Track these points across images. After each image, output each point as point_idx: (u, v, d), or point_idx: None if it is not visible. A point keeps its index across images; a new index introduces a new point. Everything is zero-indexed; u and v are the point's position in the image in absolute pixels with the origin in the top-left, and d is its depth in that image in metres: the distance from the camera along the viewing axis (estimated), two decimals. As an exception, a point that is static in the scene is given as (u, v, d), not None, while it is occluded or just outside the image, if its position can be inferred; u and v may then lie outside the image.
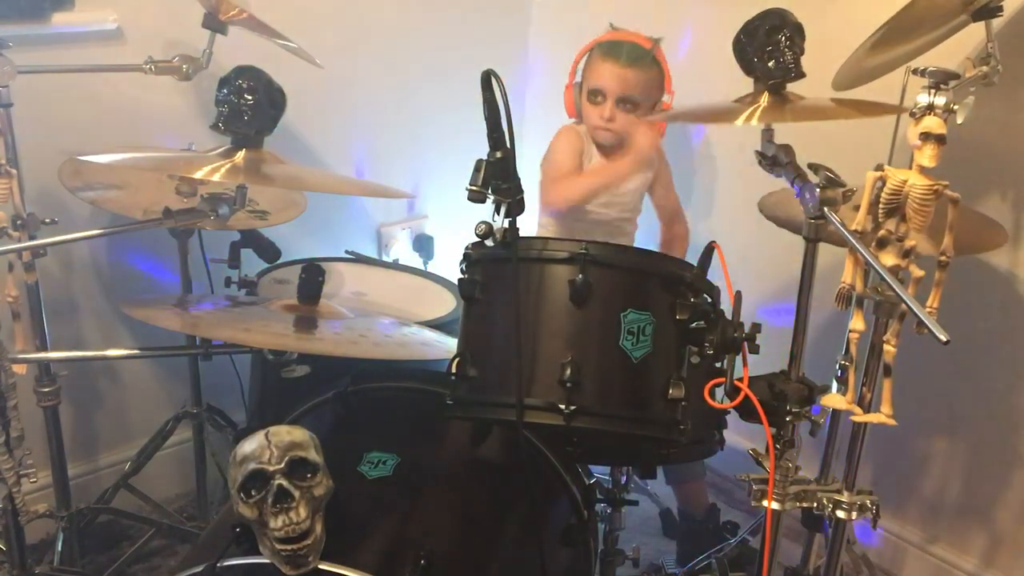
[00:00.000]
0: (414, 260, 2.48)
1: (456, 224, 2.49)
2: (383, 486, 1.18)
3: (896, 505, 2.00)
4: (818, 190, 1.11)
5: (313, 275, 1.48)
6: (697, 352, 1.14)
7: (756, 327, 1.14)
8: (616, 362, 1.12)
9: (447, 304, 1.88)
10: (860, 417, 1.17)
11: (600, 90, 1.87)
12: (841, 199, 1.11)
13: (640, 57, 1.85)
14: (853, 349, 1.15)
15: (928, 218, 1.05)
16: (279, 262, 1.79)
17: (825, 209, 1.10)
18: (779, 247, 2.09)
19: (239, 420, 1.96)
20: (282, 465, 1.00)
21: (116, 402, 2.07)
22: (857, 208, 1.09)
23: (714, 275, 1.23)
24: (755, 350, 1.14)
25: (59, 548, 1.73)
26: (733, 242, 2.17)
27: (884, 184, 1.06)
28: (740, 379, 1.13)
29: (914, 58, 1.42)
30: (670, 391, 1.13)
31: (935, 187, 1.04)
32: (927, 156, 1.03)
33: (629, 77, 1.85)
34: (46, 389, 1.64)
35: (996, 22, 1.37)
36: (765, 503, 1.20)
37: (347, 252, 2.16)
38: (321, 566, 1.01)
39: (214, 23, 1.60)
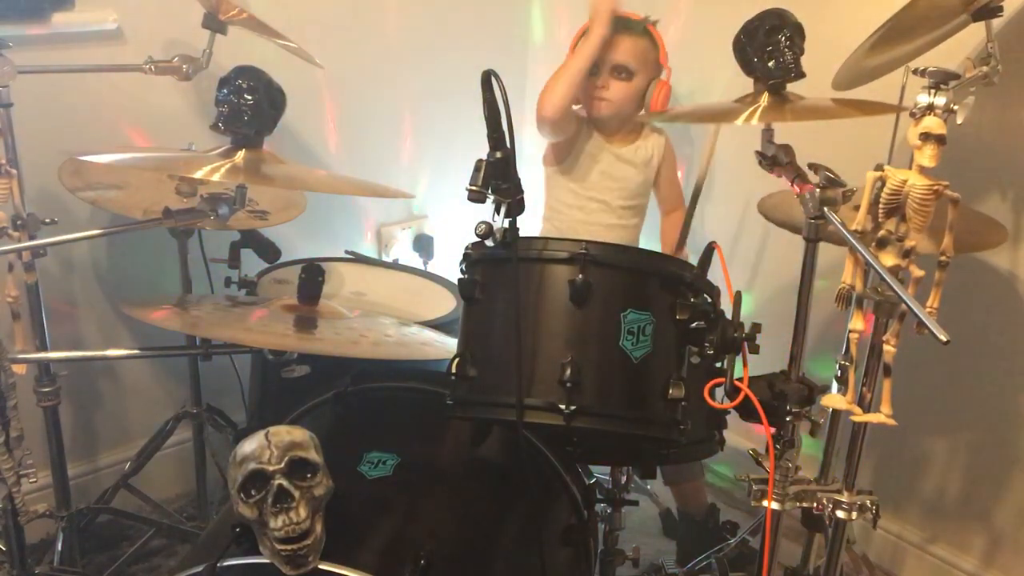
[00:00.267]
0: (414, 260, 2.48)
1: (456, 224, 2.49)
2: (383, 486, 1.18)
3: (896, 505, 2.00)
4: (818, 190, 1.11)
5: (313, 275, 1.48)
6: (697, 352, 1.15)
7: (756, 327, 1.14)
8: (616, 362, 1.12)
9: (447, 304, 1.88)
10: (860, 417, 1.17)
11: (594, 62, 1.86)
12: (841, 199, 1.11)
13: (632, 26, 1.85)
14: (853, 349, 1.15)
15: (928, 218, 1.05)
16: (279, 262, 1.79)
17: (825, 209, 1.10)
18: (779, 247, 2.10)
19: (239, 420, 1.96)
20: (282, 465, 1.00)
21: (116, 402, 2.07)
22: (857, 208, 1.09)
23: (714, 275, 1.23)
24: (755, 350, 1.14)
25: (59, 548, 1.73)
26: (733, 242, 2.19)
27: (884, 184, 1.06)
28: (740, 379, 1.13)
29: (914, 58, 1.42)
30: (670, 391, 1.13)
31: (935, 187, 1.04)
32: (927, 156, 1.03)
33: (623, 43, 1.84)
34: (46, 389, 1.64)
35: (996, 22, 1.37)
36: (765, 503, 1.20)
37: (347, 252, 2.16)
38: (321, 566, 1.01)
39: (214, 23, 1.61)
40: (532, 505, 1.26)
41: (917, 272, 1.07)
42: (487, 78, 1.00)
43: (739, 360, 1.15)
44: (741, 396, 1.11)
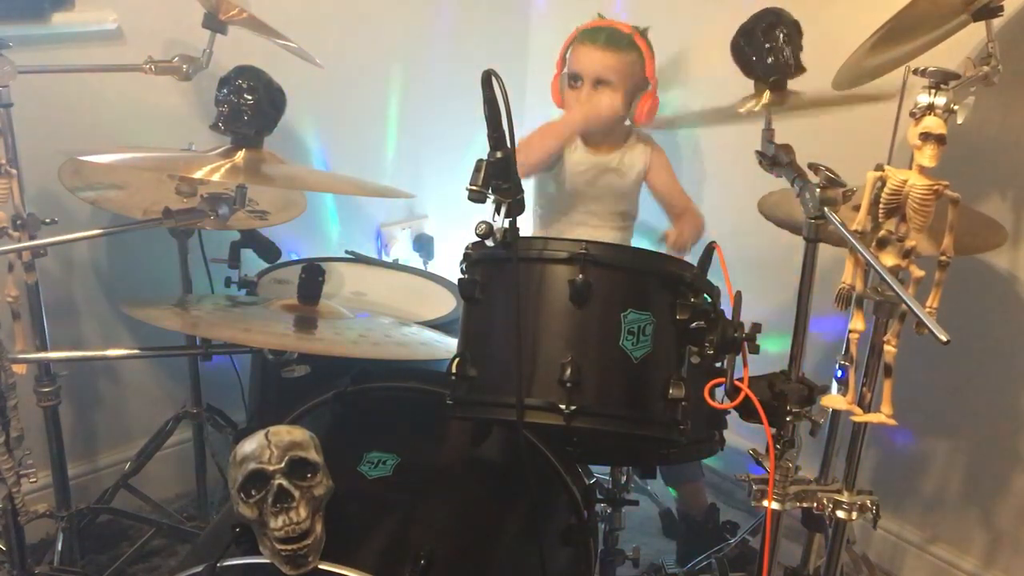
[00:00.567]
0: (414, 260, 2.48)
1: (456, 224, 2.49)
2: (383, 486, 1.18)
3: (896, 505, 2.00)
4: (818, 190, 1.11)
5: (313, 275, 1.48)
6: (697, 352, 1.14)
7: (756, 327, 1.14)
8: (616, 362, 1.12)
9: (447, 304, 1.88)
10: (860, 417, 1.17)
11: (578, 73, 1.87)
12: (841, 199, 1.11)
13: (617, 40, 1.85)
14: (853, 349, 1.15)
15: (928, 218, 1.05)
16: (279, 262, 1.79)
17: (825, 209, 1.10)
18: (779, 247, 2.10)
19: (239, 420, 1.96)
20: (282, 465, 1.00)
21: (116, 402, 2.07)
22: (857, 208, 1.09)
23: (714, 275, 1.22)
24: (755, 350, 1.14)
25: (59, 548, 1.73)
26: (733, 242, 2.18)
27: (884, 184, 1.06)
28: (740, 379, 1.13)
29: (914, 58, 1.42)
30: (670, 391, 1.13)
31: (935, 187, 1.04)
32: (927, 156, 1.03)
33: (605, 59, 1.84)
34: (46, 389, 1.64)
35: (996, 22, 1.37)
36: (765, 503, 1.20)
37: (347, 252, 2.16)
38: (321, 566, 1.01)
39: (214, 23, 1.60)
40: (532, 505, 1.26)
41: (917, 272, 1.07)
42: (487, 77, 1.00)
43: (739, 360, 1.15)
44: (741, 396, 1.11)
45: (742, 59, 1.36)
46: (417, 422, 1.40)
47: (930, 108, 1.04)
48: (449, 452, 1.40)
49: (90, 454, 2.06)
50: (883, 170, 1.07)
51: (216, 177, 1.24)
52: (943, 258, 1.10)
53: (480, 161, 1.03)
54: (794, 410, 1.15)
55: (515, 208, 1.04)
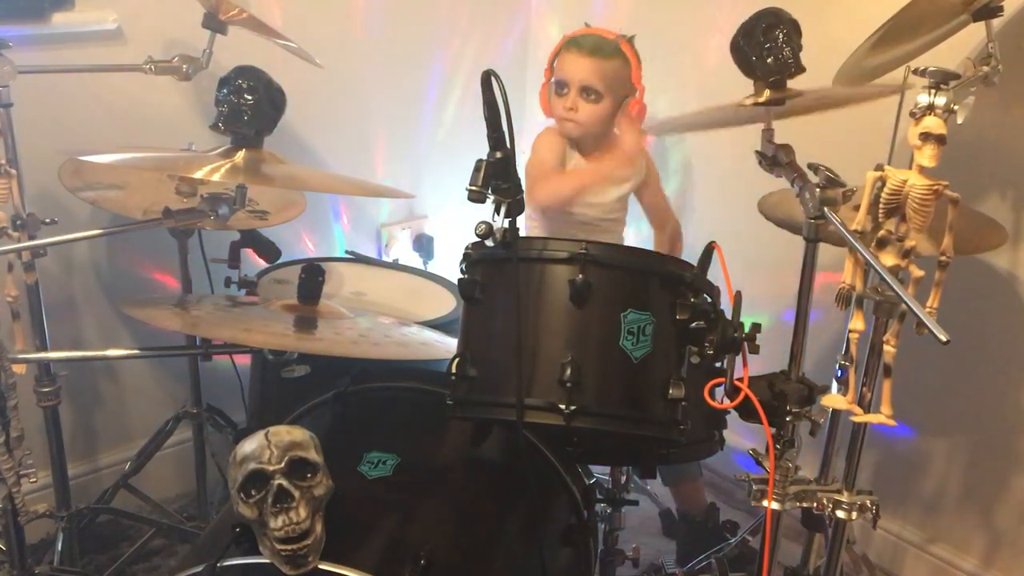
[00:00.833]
0: (414, 260, 2.48)
1: (456, 224, 2.49)
2: (383, 486, 1.18)
3: (896, 505, 2.00)
4: (818, 190, 1.11)
5: (313, 275, 1.48)
6: (697, 352, 1.14)
7: (756, 327, 1.14)
8: (616, 362, 1.12)
9: (447, 304, 1.88)
10: (860, 417, 1.17)
11: (564, 80, 1.87)
12: (841, 199, 1.11)
13: (602, 47, 1.85)
14: (853, 349, 1.15)
15: (928, 218, 1.05)
16: (279, 262, 1.79)
17: (825, 209, 1.10)
18: (779, 247, 2.10)
19: (239, 420, 1.96)
20: (282, 465, 1.00)
21: (116, 402, 2.07)
22: (857, 208, 1.09)
23: (714, 275, 1.22)
24: (755, 350, 1.14)
25: (59, 548, 1.73)
26: (733, 242, 2.18)
27: (884, 184, 1.06)
28: (740, 379, 1.13)
29: (914, 58, 1.42)
30: (670, 391, 1.13)
31: (935, 187, 1.04)
32: (927, 156, 1.03)
33: (590, 66, 1.84)
34: (46, 389, 1.64)
35: (996, 22, 1.37)
36: (765, 503, 1.20)
37: (347, 252, 2.16)
38: (321, 566, 1.01)
39: (214, 23, 1.60)
40: (532, 505, 1.26)
41: (917, 272, 1.07)
42: (487, 78, 1.00)
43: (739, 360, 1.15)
44: (741, 396, 1.11)
45: (742, 59, 1.36)
46: (417, 422, 1.40)
47: (930, 108, 1.04)
48: (449, 452, 1.40)
49: (90, 454, 2.06)
50: (883, 170, 1.07)
51: (216, 177, 1.24)
52: (943, 258, 1.10)
53: (480, 161, 1.03)
54: (794, 410, 1.15)
55: (515, 208, 1.04)
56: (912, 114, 1.06)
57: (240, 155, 1.32)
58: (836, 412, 1.36)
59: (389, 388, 1.44)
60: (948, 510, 1.94)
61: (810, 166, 1.15)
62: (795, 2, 1.39)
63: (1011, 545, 1.85)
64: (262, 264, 1.78)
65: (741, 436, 1.44)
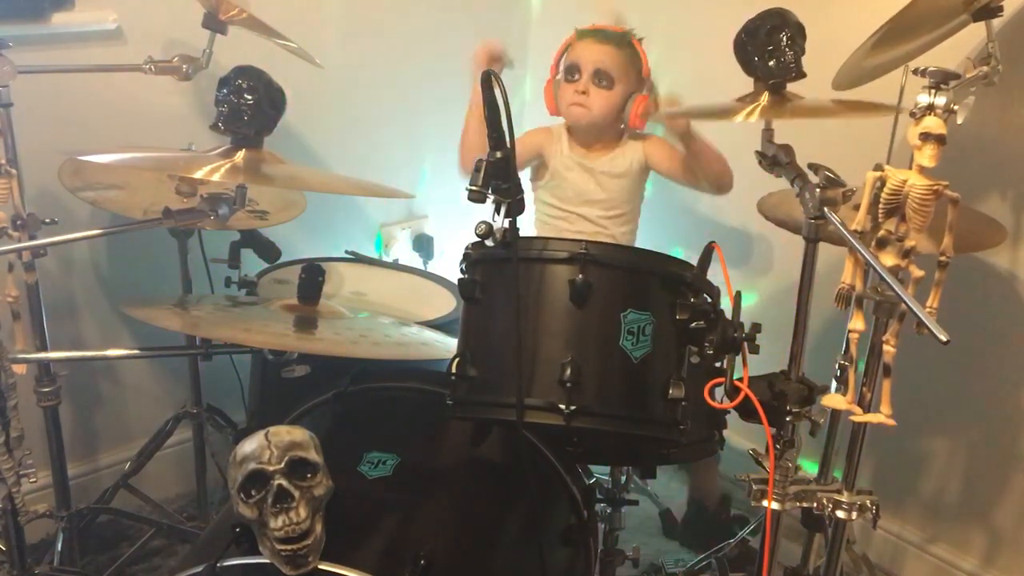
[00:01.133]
0: (414, 260, 2.49)
1: (456, 224, 2.49)
2: (383, 486, 1.18)
3: (896, 505, 2.00)
4: (818, 190, 1.11)
5: (313, 275, 1.48)
6: (697, 352, 1.14)
7: (756, 327, 1.14)
8: (616, 362, 1.12)
9: (447, 304, 1.88)
10: (860, 417, 1.17)
11: (576, 65, 1.87)
12: (841, 199, 1.11)
13: (615, 37, 1.86)
14: (853, 349, 1.15)
15: (928, 218, 1.05)
16: (279, 262, 1.79)
17: (825, 209, 1.10)
18: (779, 247, 2.10)
19: (239, 420, 1.96)
20: (282, 465, 1.00)
21: (116, 402, 2.07)
22: (857, 208, 1.09)
23: (714, 275, 1.23)
24: (755, 350, 1.14)
25: (59, 548, 1.72)
26: (733, 242, 2.19)
27: (884, 184, 1.06)
28: (740, 379, 1.13)
29: (914, 58, 1.42)
30: (670, 391, 1.13)
31: (935, 187, 1.04)
32: (927, 156, 1.03)
33: (606, 51, 1.85)
34: (46, 389, 1.63)
35: (996, 22, 1.37)
36: (765, 503, 1.20)
37: (347, 252, 2.16)
38: (321, 566, 1.01)
39: (214, 23, 1.60)
40: (532, 505, 1.26)
41: (917, 272, 1.07)
42: (487, 78, 1.00)
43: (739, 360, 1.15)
44: (741, 396, 1.11)
45: (744, 57, 1.36)
46: (417, 422, 1.40)
47: (930, 108, 1.04)
48: (449, 452, 1.40)
49: (90, 454, 2.06)
50: (883, 170, 1.07)
51: (216, 177, 1.24)
52: (943, 258, 1.10)
53: (480, 161, 1.03)
54: (794, 410, 1.15)
55: (515, 208, 1.04)
56: (912, 114, 1.06)
57: (240, 155, 1.32)
58: (836, 412, 1.36)
59: (389, 388, 1.44)
60: (948, 510, 1.94)
61: (810, 166, 1.15)
62: (795, 2, 1.39)
63: (1011, 545, 1.85)
64: (262, 264, 1.79)
65: (741, 436, 1.44)
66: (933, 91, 1.05)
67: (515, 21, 2.56)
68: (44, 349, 1.63)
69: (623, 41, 1.86)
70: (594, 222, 1.94)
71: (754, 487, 1.21)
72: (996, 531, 1.87)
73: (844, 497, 1.27)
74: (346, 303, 1.78)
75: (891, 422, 1.12)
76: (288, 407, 1.43)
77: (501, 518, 1.28)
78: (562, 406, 1.09)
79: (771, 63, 1.32)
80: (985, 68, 1.32)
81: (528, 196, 1.92)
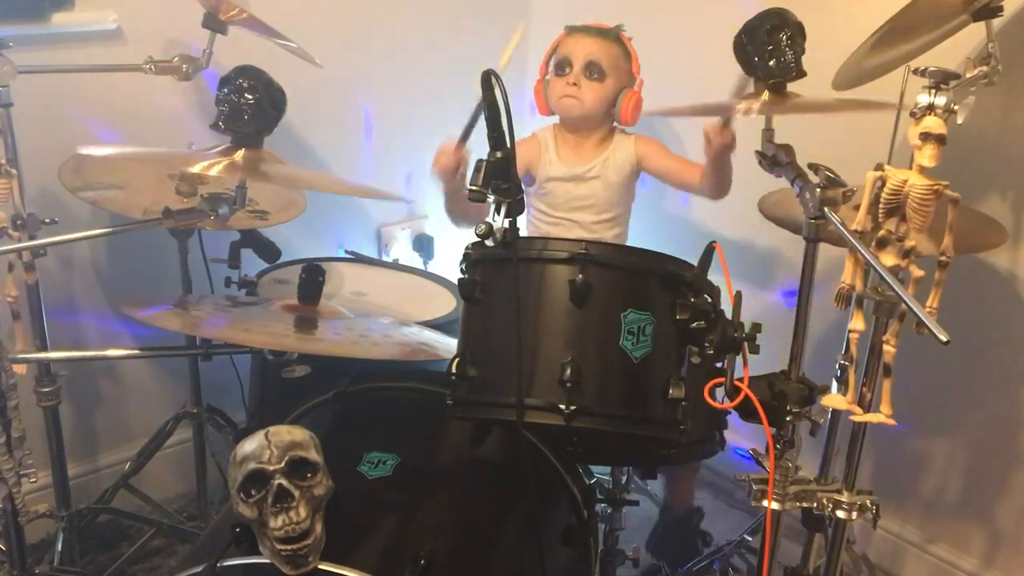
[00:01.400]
0: (414, 260, 2.48)
1: (456, 224, 2.49)
2: (383, 486, 1.18)
3: (896, 505, 2.00)
4: (818, 190, 1.11)
5: (313, 275, 1.48)
6: (697, 352, 1.14)
7: (756, 327, 1.14)
8: (616, 362, 1.12)
9: (447, 304, 1.88)
10: (860, 417, 1.17)
11: (567, 59, 1.87)
12: (841, 199, 1.11)
13: (605, 32, 1.88)
14: (853, 349, 1.15)
15: (928, 218, 1.05)
16: (279, 262, 1.79)
17: (825, 209, 1.10)
18: (779, 247, 2.10)
19: (239, 420, 1.96)
20: (282, 465, 1.00)
21: (116, 402, 2.07)
22: (857, 208, 1.09)
23: (714, 275, 1.23)
24: (755, 350, 1.14)
25: (59, 548, 1.73)
26: (733, 242, 2.19)
27: (884, 184, 1.06)
28: (740, 379, 1.13)
29: (914, 58, 1.42)
30: (670, 391, 1.13)
31: (935, 187, 1.04)
32: (927, 156, 1.03)
33: (596, 44, 1.86)
34: (46, 389, 1.64)
35: (996, 22, 1.37)
36: (765, 503, 1.20)
37: (347, 252, 2.16)
38: (321, 566, 1.01)
39: (214, 23, 1.60)
40: (532, 505, 1.26)
41: (917, 272, 1.07)
42: (487, 78, 1.00)
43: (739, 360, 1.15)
44: (741, 396, 1.11)
45: (743, 56, 1.36)
46: (417, 422, 1.40)
47: (930, 108, 1.04)
48: (449, 452, 1.40)
49: (90, 454, 2.06)
50: (883, 170, 1.07)
51: (213, 172, 1.24)
52: (943, 258, 1.10)
53: (480, 161, 1.03)
54: (794, 410, 1.15)
55: (515, 208, 1.04)
56: (912, 114, 1.06)
57: (239, 154, 1.31)
58: (836, 412, 1.36)
59: (389, 388, 1.44)
60: (948, 510, 1.94)
61: (810, 166, 1.15)
62: (795, 2, 1.39)
63: (1011, 545, 1.85)
64: (262, 264, 1.78)
65: (741, 436, 1.44)
66: (933, 91, 1.05)
67: (515, 21, 2.55)
68: (44, 349, 1.63)
69: (612, 36, 1.88)
70: (586, 227, 1.94)
71: (754, 487, 1.21)
72: (996, 531, 1.87)
73: (844, 497, 1.27)
74: (346, 303, 1.78)
75: (891, 422, 1.13)
76: (288, 407, 1.43)
77: (501, 518, 1.28)
78: (562, 406, 1.09)
79: (771, 63, 1.32)
80: (985, 68, 1.32)
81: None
